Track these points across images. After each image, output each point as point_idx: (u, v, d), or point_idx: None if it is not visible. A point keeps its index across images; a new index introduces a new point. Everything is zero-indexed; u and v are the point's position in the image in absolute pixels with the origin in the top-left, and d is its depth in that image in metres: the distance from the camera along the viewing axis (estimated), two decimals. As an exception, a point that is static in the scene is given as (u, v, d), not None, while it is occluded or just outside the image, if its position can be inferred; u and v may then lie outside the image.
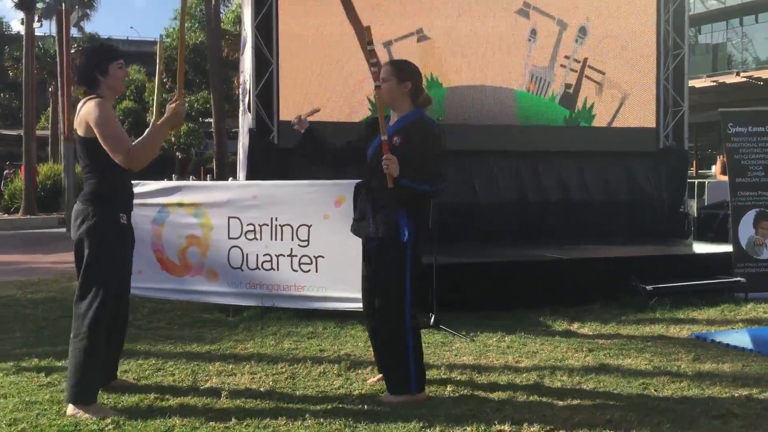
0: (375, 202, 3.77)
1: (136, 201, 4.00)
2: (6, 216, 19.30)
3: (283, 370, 4.28)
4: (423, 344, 3.90)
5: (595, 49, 8.67)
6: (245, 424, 3.34)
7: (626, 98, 8.81)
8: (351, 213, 5.28)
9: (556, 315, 5.81)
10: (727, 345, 4.89)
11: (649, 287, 6.28)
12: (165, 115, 3.69)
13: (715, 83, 21.00)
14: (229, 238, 5.81)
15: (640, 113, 8.90)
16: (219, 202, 5.91)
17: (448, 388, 3.92)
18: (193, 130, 29.08)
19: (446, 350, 4.77)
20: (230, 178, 9.36)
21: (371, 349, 4.67)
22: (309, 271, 5.63)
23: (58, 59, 21.49)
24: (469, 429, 3.30)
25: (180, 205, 5.98)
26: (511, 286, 6.19)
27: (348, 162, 4.15)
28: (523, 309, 5.92)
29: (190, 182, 7.52)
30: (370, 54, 3.78)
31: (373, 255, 3.80)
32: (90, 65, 3.68)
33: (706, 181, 14.50)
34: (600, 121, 8.74)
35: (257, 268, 5.74)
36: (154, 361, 4.44)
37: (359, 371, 4.25)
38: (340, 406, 3.61)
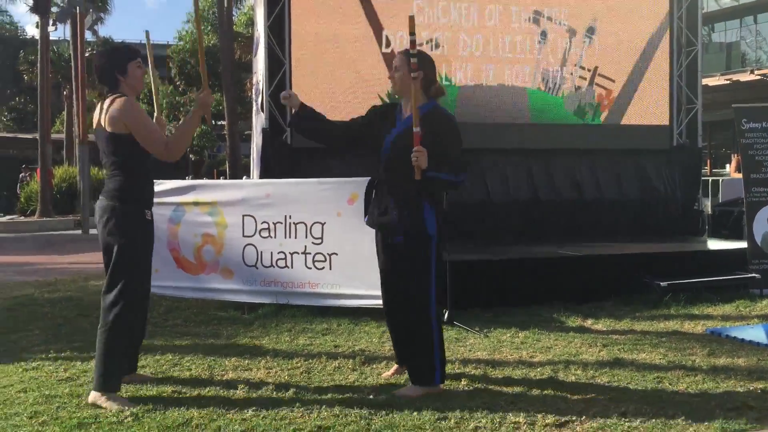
0: (398, 196, 3.77)
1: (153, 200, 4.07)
2: (22, 218, 19.48)
3: (299, 364, 4.31)
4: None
5: (606, 50, 8.64)
6: (262, 416, 3.38)
7: (639, 96, 8.78)
8: (364, 210, 5.36)
9: (569, 311, 5.81)
10: (742, 340, 4.88)
11: (663, 284, 6.27)
12: (194, 107, 3.86)
13: (728, 81, 20.89)
14: (244, 236, 5.86)
15: (653, 111, 8.87)
16: (233, 200, 5.96)
17: (462, 382, 3.94)
18: (206, 133, 29.24)
19: (460, 346, 4.79)
20: (244, 177, 9.43)
21: (386, 344, 4.74)
22: (323, 268, 5.67)
23: (72, 63, 21.70)
24: (483, 421, 3.32)
25: (195, 203, 6.04)
26: (524, 282, 6.20)
27: (350, 144, 4.15)
28: (536, 306, 5.93)
29: (205, 181, 7.60)
30: (411, 45, 3.73)
31: (397, 249, 3.79)
32: (109, 66, 3.76)
33: (721, 178, 14.43)
34: (612, 118, 8.73)
35: (272, 265, 5.79)
36: (171, 357, 4.50)
37: (374, 366, 4.28)
38: (355, 398, 3.64)
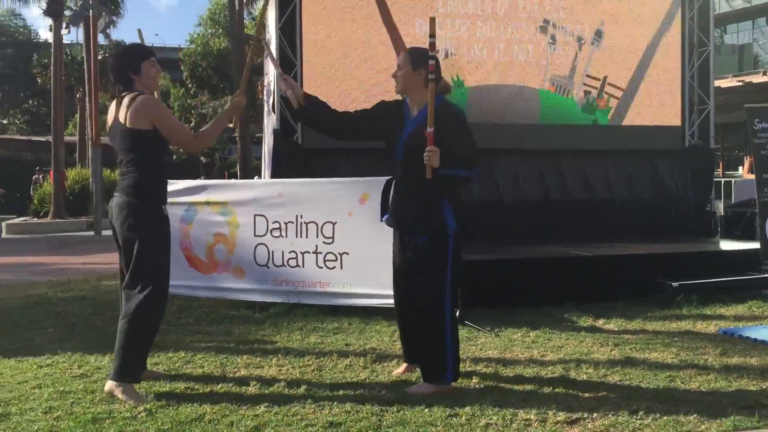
0: (417, 196, 3.78)
1: (166, 199, 4.11)
2: (35, 220, 19.61)
3: (310, 362, 4.33)
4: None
5: (616, 51, 8.62)
6: (273, 412, 3.40)
7: (650, 97, 8.76)
8: (375, 210, 5.38)
9: (580, 311, 5.80)
10: (755, 340, 4.85)
11: (675, 284, 6.25)
12: (227, 106, 4.05)
13: (741, 83, 20.76)
14: (255, 235, 5.88)
15: (665, 112, 8.85)
16: (245, 200, 5.99)
17: (473, 380, 3.95)
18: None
19: (471, 345, 4.79)
20: (255, 177, 9.48)
21: (396, 343, 4.75)
22: (334, 267, 5.68)
23: (85, 65, 21.84)
24: (494, 418, 3.32)
25: (207, 203, 6.07)
26: (535, 282, 6.20)
27: (357, 135, 4.12)
28: (547, 306, 5.92)
29: (217, 181, 7.64)
30: (431, 47, 3.72)
31: (414, 247, 3.79)
32: (123, 65, 3.81)
33: (733, 179, 14.35)
34: (624, 119, 8.71)
35: (283, 265, 5.81)
36: (183, 354, 4.53)
37: (385, 364, 4.29)
38: (367, 395, 3.65)
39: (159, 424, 3.26)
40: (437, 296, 3.75)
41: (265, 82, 9.12)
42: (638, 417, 3.32)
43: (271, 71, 8.19)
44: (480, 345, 4.79)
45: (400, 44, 7.83)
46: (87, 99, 21.85)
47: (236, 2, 19.37)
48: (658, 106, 8.81)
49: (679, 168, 8.86)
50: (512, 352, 4.59)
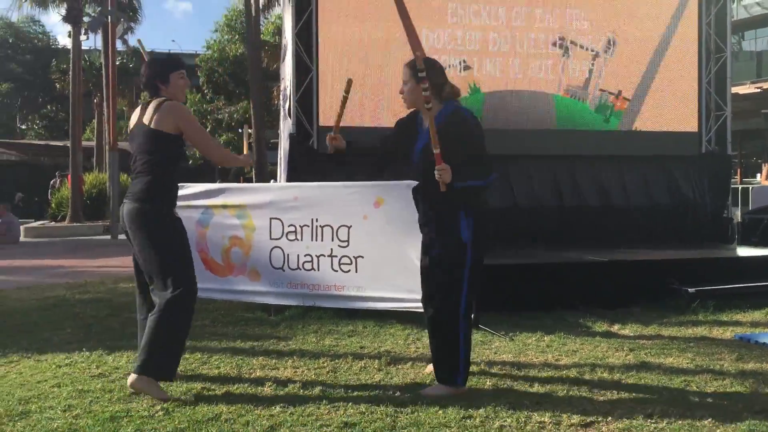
0: (434, 207, 3.83)
1: (181, 203, 4.20)
2: (53, 223, 19.83)
3: (325, 364, 4.36)
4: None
5: (632, 57, 8.60)
6: (289, 412, 3.42)
7: (666, 103, 8.73)
8: (389, 214, 5.42)
9: (596, 317, 5.79)
10: (772, 346, 4.83)
11: (691, 290, 6.22)
12: (241, 158, 4.41)
13: (759, 90, 20.63)
14: (271, 238, 5.92)
15: (681, 118, 8.81)
16: (261, 203, 6.03)
17: (487, 383, 3.96)
18: (232, 141, 29.54)
19: (486, 348, 4.80)
20: (271, 181, 9.54)
21: (411, 346, 4.78)
22: (349, 271, 5.70)
23: (103, 71, 22.08)
24: (508, 420, 3.33)
25: (224, 206, 6.12)
26: (550, 287, 6.19)
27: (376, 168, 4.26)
28: (562, 310, 5.91)
29: (234, 184, 7.70)
30: (422, 81, 3.68)
31: (432, 258, 3.84)
32: (152, 74, 3.90)
33: (751, 186, 14.25)
34: (639, 125, 8.68)
35: (298, 268, 5.84)
36: (199, 356, 4.57)
37: (399, 366, 4.31)
38: (381, 396, 3.67)
39: (176, 423, 3.30)
40: (452, 301, 3.77)
41: (282, 87, 9.18)
42: (653, 421, 3.32)
43: (287, 75, 8.25)
44: (494, 349, 4.80)
45: (418, 48, 7.86)
46: (105, 104, 22.05)
47: (252, 9, 19.51)
48: (675, 112, 8.78)
49: (695, 174, 8.81)
50: (527, 356, 4.59)
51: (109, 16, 17.74)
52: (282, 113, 8.91)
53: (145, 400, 3.61)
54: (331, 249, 5.74)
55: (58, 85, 32.55)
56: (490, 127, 7.86)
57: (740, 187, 14.91)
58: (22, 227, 16.78)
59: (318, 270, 5.78)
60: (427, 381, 3.98)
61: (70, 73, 21.42)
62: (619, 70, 8.59)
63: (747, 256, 7.45)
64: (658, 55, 8.71)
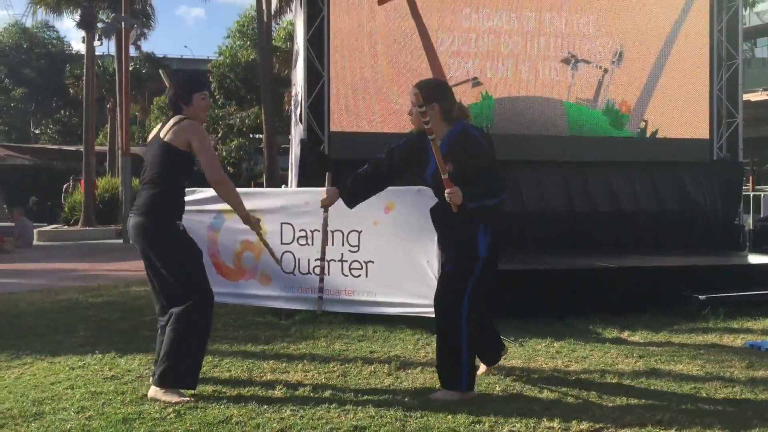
0: (452, 225, 3.87)
1: (193, 208, 4.25)
2: (66, 227, 19.96)
3: (335, 368, 4.38)
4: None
5: (642, 64, 8.60)
6: (299, 415, 3.45)
7: (677, 110, 8.71)
8: (399, 219, 5.45)
9: (606, 323, 5.79)
10: (783, 354, 4.81)
11: (702, 297, 6.20)
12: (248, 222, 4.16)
13: (771, 96, 20.50)
14: (282, 243, 5.94)
15: (692, 125, 8.79)
16: (272, 208, 6.07)
17: (497, 388, 3.97)
18: (243, 146, 29.69)
19: (495, 354, 4.80)
20: (282, 186, 9.59)
21: (420, 351, 4.81)
22: (359, 276, 5.73)
23: (116, 77, 22.25)
24: (518, 425, 3.34)
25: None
26: (560, 293, 6.19)
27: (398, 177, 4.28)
28: (572, 317, 5.91)
29: (245, 189, 7.73)
30: (423, 114, 3.73)
31: (445, 271, 3.90)
32: (176, 94, 4.00)
33: (763, 193, 14.18)
34: (651, 131, 8.67)
35: (309, 272, 5.87)
36: (211, 359, 4.60)
37: (409, 371, 4.33)
38: (391, 400, 3.70)
39: (187, 425, 3.33)
40: (453, 308, 3.79)
41: (293, 92, 9.24)
42: (662, 427, 3.32)
43: (299, 81, 8.30)
44: (504, 354, 4.79)
45: (434, 60, 7.92)
46: (118, 109, 22.22)
47: (264, 15, 19.62)
48: (686, 118, 8.75)
49: (707, 181, 8.78)
50: (536, 362, 4.60)
51: (123, 23, 17.90)
52: (293, 119, 8.96)
53: (157, 402, 3.65)
54: (342, 254, 5.77)
55: (71, 90, 32.77)
56: (500, 133, 7.93)
57: (752, 194, 14.82)
58: (35, 231, 16.93)
59: (328, 275, 5.79)
60: (437, 386, 3.99)
61: (84, 78, 21.57)
62: (630, 76, 8.59)
63: (758, 263, 7.42)
64: (669, 62, 8.69)
